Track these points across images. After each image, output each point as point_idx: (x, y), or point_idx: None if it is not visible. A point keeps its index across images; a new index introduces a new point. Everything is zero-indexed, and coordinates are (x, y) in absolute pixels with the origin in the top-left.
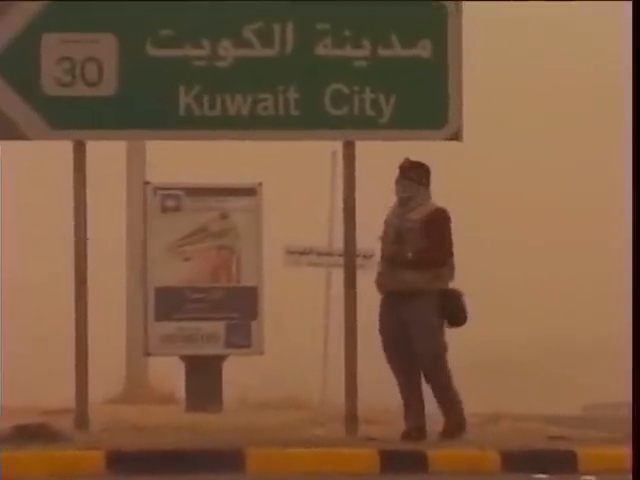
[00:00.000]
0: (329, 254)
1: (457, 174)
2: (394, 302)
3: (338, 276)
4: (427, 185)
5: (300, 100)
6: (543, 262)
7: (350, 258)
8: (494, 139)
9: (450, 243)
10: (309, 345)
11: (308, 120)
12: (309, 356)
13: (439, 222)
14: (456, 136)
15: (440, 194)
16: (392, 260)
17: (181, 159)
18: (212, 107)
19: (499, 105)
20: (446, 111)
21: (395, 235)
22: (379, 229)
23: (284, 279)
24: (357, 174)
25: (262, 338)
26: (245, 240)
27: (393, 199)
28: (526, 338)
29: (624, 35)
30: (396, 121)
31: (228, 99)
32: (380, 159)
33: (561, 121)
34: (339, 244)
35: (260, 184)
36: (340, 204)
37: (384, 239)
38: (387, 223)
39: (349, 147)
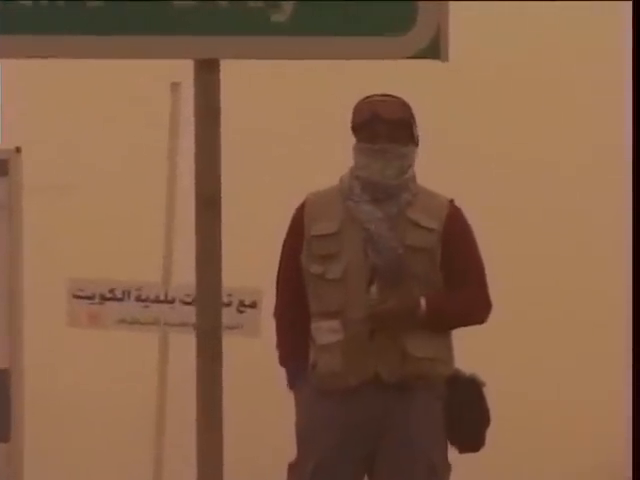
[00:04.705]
0: (165, 300)
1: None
2: (364, 404)
3: (183, 344)
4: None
5: None
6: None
7: (209, 308)
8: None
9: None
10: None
11: (123, 18)
12: None
13: (467, 230)
14: (433, 51)
15: None
16: (387, 318)
17: None
18: None
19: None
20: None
21: (390, 264)
22: (275, 248)
23: (70, 351)
24: (225, 128)
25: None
26: None
27: (313, 182)
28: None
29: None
30: (308, 20)
31: None
32: (278, 97)
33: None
34: (186, 278)
35: (18, 151)
36: (188, 193)
37: (351, 274)
38: (356, 238)
39: (209, 72)
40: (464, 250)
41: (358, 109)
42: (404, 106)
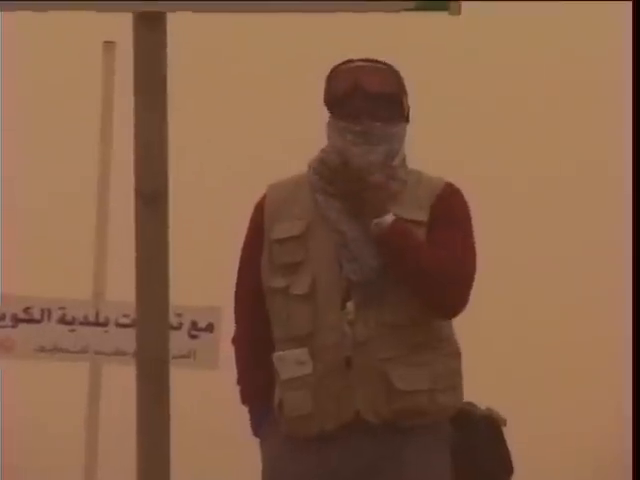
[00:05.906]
0: (96, 322)
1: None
2: (346, 454)
3: (120, 378)
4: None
5: None
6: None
7: (153, 333)
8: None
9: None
10: None
11: None
12: None
13: (457, 212)
14: (441, 2)
15: None
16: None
17: None
18: None
19: None
20: None
21: (370, 275)
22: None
23: None
24: (173, 102)
25: None
26: None
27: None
28: None
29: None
30: None
31: None
32: (238, 58)
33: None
34: (123, 294)
35: None
36: (125, 186)
37: (321, 288)
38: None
39: (152, 29)
40: (450, 231)
41: (334, 78)
42: (393, 74)
